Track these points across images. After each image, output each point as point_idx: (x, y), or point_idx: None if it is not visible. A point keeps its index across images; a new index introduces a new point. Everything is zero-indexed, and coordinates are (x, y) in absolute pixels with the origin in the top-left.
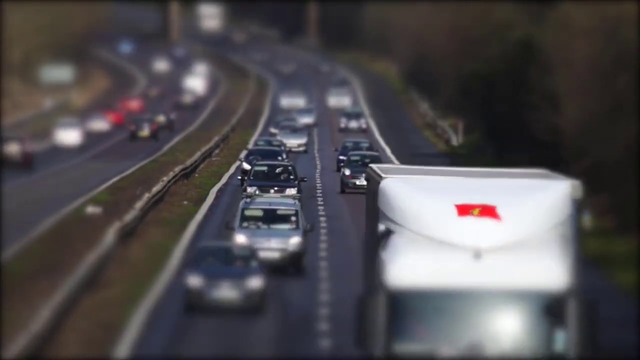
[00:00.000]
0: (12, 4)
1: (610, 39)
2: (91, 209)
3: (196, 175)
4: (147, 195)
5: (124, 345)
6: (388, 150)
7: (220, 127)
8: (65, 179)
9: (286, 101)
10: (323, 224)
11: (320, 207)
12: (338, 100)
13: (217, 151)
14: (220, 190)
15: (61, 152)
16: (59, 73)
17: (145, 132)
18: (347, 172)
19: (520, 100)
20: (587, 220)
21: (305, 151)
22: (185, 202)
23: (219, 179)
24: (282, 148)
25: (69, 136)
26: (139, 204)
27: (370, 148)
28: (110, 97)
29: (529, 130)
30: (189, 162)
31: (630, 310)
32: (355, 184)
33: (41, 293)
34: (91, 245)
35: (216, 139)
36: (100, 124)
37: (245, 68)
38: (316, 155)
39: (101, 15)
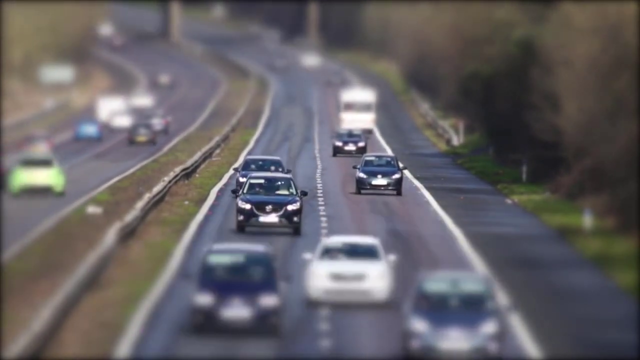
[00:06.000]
0: (13, 4)
1: (610, 39)
2: (92, 209)
3: (197, 175)
4: (147, 195)
5: (124, 345)
6: (389, 151)
7: (221, 127)
8: (65, 178)
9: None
10: (324, 224)
11: (321, 208)
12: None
13: (217, 151)
14: (220, 190)
15: None
16: (59, 73)
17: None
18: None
19: (520, 100)
20: (588, 220)
21: None
22: (186, 202)
23: (220, 179)
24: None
25: None
26: (139, 204)
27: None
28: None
29: (529, 130)
30: (189, 162)
31: (630, 310)
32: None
33: (42, 293)
34: (91, 245)
35: (217, 139)
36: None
37: (246, 68)
38: (316, 155)
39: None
